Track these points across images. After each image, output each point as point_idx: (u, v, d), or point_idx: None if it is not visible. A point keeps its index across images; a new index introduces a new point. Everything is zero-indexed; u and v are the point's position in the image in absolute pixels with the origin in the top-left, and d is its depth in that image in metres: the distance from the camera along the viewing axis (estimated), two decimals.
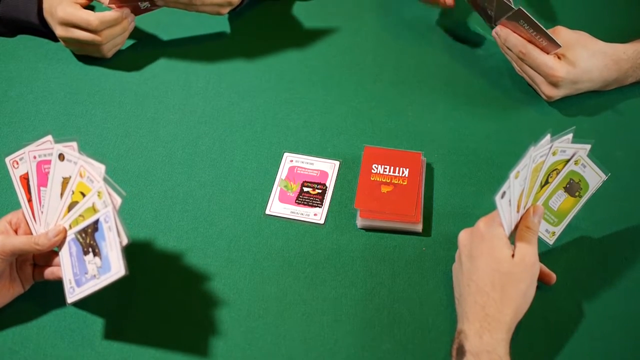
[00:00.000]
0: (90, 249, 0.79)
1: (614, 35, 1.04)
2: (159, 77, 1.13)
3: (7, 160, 0.85)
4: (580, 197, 0.89)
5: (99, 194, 0.79)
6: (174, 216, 0.96)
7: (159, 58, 1.16)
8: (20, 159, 0.85)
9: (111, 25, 1.09)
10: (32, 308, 0.87)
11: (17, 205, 0.86)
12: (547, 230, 0.89)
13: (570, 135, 0.84)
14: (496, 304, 0.77)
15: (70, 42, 1.11)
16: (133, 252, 0.91)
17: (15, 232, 0.84)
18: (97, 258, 0.78)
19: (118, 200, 0.78)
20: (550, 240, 0.89)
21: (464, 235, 0.83)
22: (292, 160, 1.01)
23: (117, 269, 0.77)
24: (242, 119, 1.07)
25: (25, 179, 0.85)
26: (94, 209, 0.80)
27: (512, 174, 0.78)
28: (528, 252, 0.79)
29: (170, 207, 0.97)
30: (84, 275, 0.80)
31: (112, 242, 0.77)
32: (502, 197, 0.78)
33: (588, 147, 0.85)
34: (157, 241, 0.93)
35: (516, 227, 0.83)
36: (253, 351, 0.84)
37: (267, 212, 0.96)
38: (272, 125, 1.06)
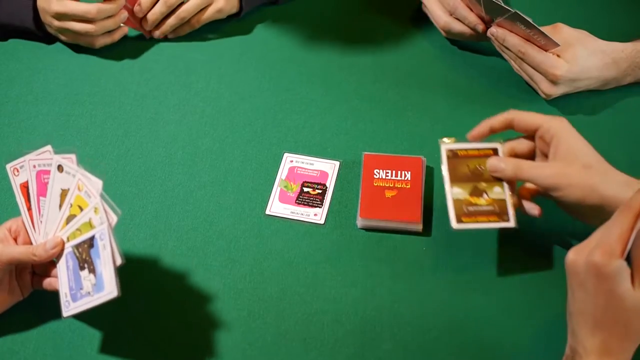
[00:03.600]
0: (85, 265, 0.79)
1: (613, 35, 1.04)
2: (159, 77, 1.13)
3: (8, 167, 0.85)
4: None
5: (96, 209, 0.79)
6: (174, 216, 0.96)
7: (159, 58, 1.16)
8: (21, 167, 0.84)
9: (107, 17, 1.10)
10: (31, 314, 0.86)
11: (16, 209, 0.85)
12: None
13: None
14: (618, 339, 0.71)
15: (65, 32, 1.12)
16: (132, 252, 0.91)
17: (15, 239, 0.84)
18: (92, 275, 0.78)
19: (114, 219, 0.78)
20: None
21: (574, 259, 0.72)
22: (292, 161, 1.01)
23: (109, 289, 0.76)
24: (242, 119, 1.07)
25: (25, 187, 0.85)
26: (90, 225, 0.79)
27: None
28: None
29: (171, 207, 0.97)
30: (79, 291, 0.79)
31: (106, 260, 0.77)
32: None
33: None
34: (157, 241, 0.93)
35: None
36: (253, 351, 0.84)
37: (267, 212, 0.96)
38: (272, 126, 1.06)
